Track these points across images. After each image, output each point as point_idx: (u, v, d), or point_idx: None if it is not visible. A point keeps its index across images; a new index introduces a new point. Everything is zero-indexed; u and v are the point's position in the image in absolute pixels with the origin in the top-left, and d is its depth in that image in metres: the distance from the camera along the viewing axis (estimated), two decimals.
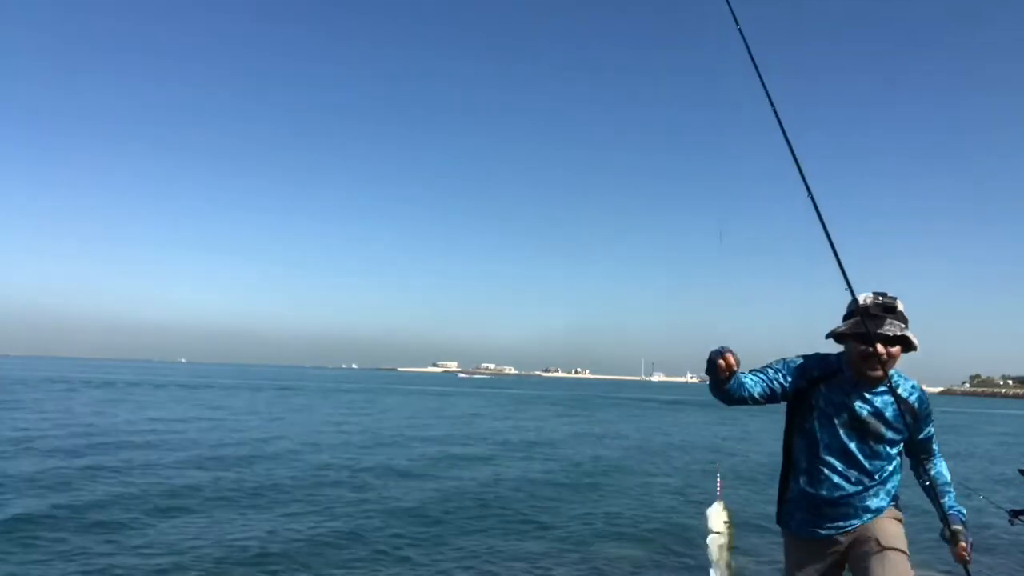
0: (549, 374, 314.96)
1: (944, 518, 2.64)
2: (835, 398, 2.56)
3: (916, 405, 2.62)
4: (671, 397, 57.27)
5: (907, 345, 2.53)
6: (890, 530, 2.58)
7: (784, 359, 2.64)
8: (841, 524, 2.61)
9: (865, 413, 2.55)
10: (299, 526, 5.85)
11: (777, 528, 2.77)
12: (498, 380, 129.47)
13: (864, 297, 2.52)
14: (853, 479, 2.57)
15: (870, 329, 2.42)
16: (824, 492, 2.58)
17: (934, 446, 2.78)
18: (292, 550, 5.18)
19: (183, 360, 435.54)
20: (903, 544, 2.58)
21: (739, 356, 2.37)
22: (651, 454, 13.05)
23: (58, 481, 7.29)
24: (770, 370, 2.59)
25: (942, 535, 2.60)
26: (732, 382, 2.42)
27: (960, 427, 27.68)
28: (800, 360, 2.63)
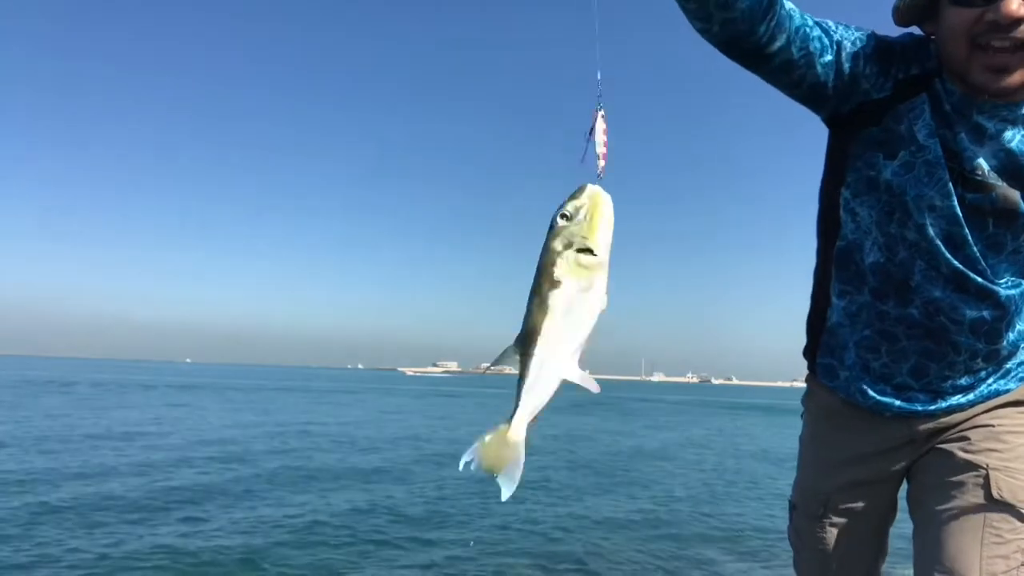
0: None
1: None
2: (937, 127, 1.20)
3: None
4: (676, 398, 57.15)
5: None
6: (1004, 443, 1.29)
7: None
8: (923, 391, 1.32)
9: (986, 166, 1.19)
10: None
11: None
12: (459, 379, 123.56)
13: None
14: (963, 303, 1.24)
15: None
16: (912, 312, 1.26)
17: None
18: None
19: (188, 360, 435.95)
20: (1020, 474, 1.27)
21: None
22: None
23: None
24: (831, 22, 1.23)
25: None
26: None
27: None
28: (880, 36, 1.25)
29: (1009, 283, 1.27)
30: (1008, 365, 1.35)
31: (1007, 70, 1.11)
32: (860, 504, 1.46)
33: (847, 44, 1.22)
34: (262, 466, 9.19)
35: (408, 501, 7.22)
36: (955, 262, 1.23)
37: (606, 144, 1.09)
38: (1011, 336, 1.31)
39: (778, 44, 1.17)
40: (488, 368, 1.07)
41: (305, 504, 6.78)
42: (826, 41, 1.21)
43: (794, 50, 1.18)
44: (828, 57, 1.20)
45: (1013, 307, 1.27)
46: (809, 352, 1.48)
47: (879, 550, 1.53)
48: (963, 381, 1.32)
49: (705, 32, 1.17)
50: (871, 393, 1.35)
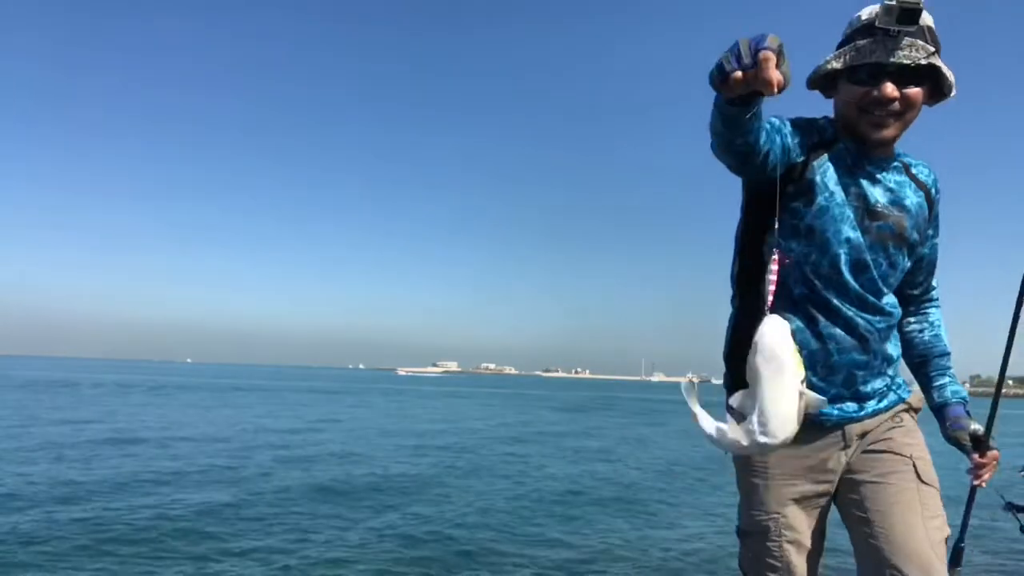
0: (549, 374, 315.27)
1: (944, 408, 1.69)
2: (840, 177, 1.53)
3: (934, 193, 1.63)
4: (678, 397, 56.98)
5: (936, 85, 1.50)
6: (915, 439, 1.61)
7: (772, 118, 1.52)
8: (852, 400, 1.57)
9: (883, 200, 1.55)
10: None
11: None
12: (446, 379, 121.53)
13: (869, 10, 1.49)
14: (869, 317, 1.54)
15: (876, 56, 1.45)
16: (838, 330, 1.53)
17: (935, 281, 1.75)
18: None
19: (188, 360, 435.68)
20: (930, 463, 1.59)
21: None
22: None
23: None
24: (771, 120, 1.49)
25: (949, 437, 1.67)
26: (757, 109, 1.29)
27: None
28: (788, 119, 1.55)
29: (892, 303, 1.61)
30: (899, 379, 1.67)
31: (883, 127, 1.50)
32: (810, 515, 1.60)
33: (777, 124, 1.50)
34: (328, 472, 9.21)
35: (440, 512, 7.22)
36: (857, 287, 1.54)
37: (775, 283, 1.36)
38: (895, 339, 1.65)
39: (762, 139, 1.41)
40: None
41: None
42: (772, 127, 1.47)
43: (768, 141, 1.43)
44: (778, 139, 1.47)
45: (894, 315, 1.61)
46: (730, 366, 1.66)
47: (823, 552, 1.66)
48: (880, 386, 1.60)
49: (743, 146, 1.38)
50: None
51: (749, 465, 1.63)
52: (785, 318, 1.50)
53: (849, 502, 1.56)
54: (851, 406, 1.57)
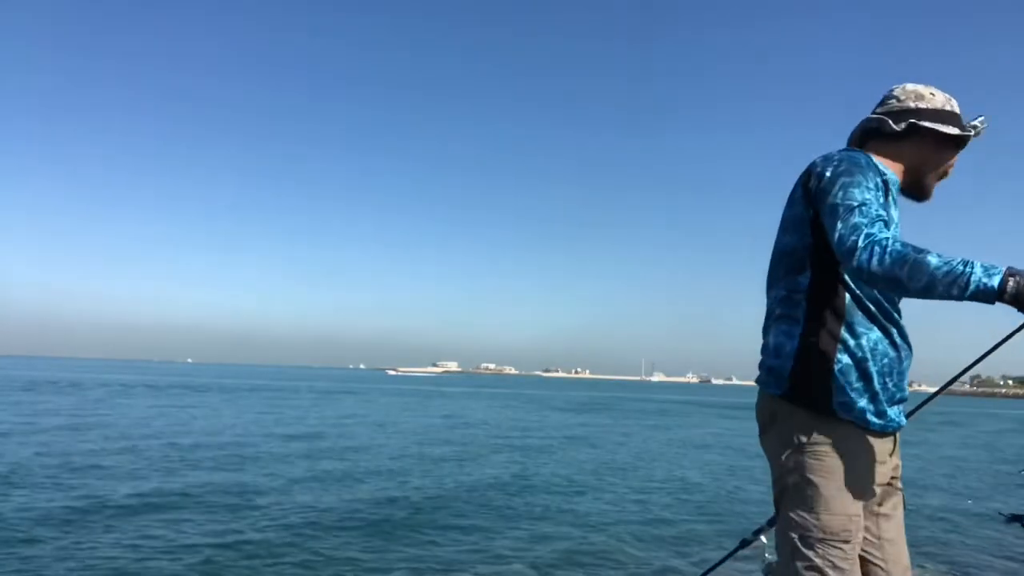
0: (549, 374, 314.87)
1: None
2: (893, 206, 1.77)
3: None
4: (679, 398, 56.77)
5: None
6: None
7: (857, 176, 1.65)
8: (902, 406, 1.76)
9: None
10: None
11: None
12: (443, 379, 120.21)
13: (956, 105, 1.84)
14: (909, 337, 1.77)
15: (962, 145, 1.81)
16: (903, 354, 1.72)
17: None
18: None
19: (189, 360, 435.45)
20: None
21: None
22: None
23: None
24: (879, 209, 1.61)
25: None
26: None
27: (968, 431, 27.57)
28: (866, 162, 1.71)
29: None
30: None
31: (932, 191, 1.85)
32: (864, 519, 1.68)
33: (880, 202, 1.65)
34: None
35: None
36: (899, 303, 1.74)
37: None
38: None
39: None
40: None
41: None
42: (892, 220, 1.71)
43: None
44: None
45: None
46: (821, 399, 1.67)
47: None
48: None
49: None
50: (890, 414, 1.68)
51: (832, 469, 1.64)
52: (867, 329, 1.70)
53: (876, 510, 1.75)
54: (903, 412, 1.75)
